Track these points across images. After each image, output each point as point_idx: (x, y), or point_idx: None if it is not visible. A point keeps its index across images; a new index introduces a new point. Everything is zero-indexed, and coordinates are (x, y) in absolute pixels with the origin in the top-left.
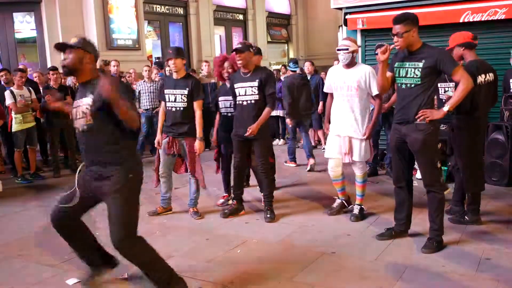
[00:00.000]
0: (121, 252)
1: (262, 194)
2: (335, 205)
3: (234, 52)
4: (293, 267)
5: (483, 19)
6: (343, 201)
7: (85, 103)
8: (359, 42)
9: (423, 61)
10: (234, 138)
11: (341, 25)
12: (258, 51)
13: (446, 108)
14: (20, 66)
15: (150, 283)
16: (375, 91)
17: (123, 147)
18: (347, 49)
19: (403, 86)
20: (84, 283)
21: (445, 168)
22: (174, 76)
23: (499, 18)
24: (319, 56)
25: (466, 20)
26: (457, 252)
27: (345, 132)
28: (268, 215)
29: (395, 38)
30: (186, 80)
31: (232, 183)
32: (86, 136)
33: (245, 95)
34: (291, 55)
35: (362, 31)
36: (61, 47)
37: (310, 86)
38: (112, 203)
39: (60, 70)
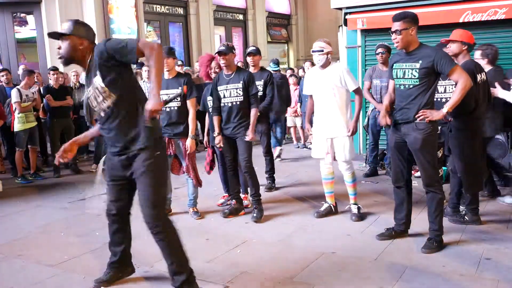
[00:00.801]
0: (153, 232)
1: (249, 194)
2: (322, 208)
3: (217, 54)
4: (293, 267)
5: (483, 19)
6: (331, 206)
7: (97, 83)
8: (359, 42)
9: (420, 61)
10: (223, 139)
11: (341, 25)
12: (258, 51)
13: (445, 109)
14: (21, 67)
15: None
16: (352, 87)
17: (143, 128)
18: (322, 51)
19: (401, 87)
20: (97, 281)
21: (445, 168)
22: (166, 76)
23: (499, 18)
24: None
25: (466, 20)
26: (457, 252)
27: (327, 133)
28: (255, 215)
29: (393, 36)
30: (178, 79)
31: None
32: (107, 117)
33: (230, 96)
34: (291, 55)
35: (362, 31)
36: (54, 35)
37: (288, 87)
38: (142, 183)
39: (61, 70)
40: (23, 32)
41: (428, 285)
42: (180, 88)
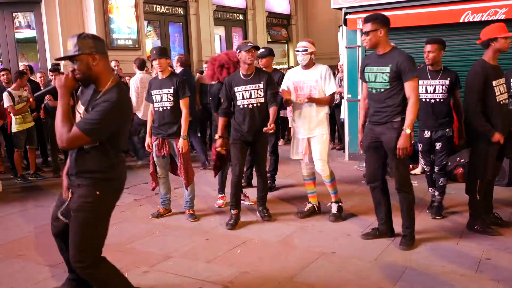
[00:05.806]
0: (82, 276)
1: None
2: (305, 208)
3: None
4: (293, 267)
5: (483, 19)
6: (314, 206)
7: (81, 111)
8: (359, 42)
9: (390, 65)
10: (237, 142)
11: (341, 25)
12: (268, 53)
13: (408, 131)
14: (22, 67)
15: None
16: (329, 92)
17: (101, 160)
18: (306, 50)
19: (374, 91)
20: None
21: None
22: (160, 76)
23: (499, 18)
24: (319, 56)
25: (466, 20)
26: (457, 252)
27: (304, 133)
28: (266, 214)
29: (363, 37)
30: (171, 78)
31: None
32: None
33: (250, 97)
34: (291, 55)
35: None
36: (64, 59)
37: None
38: (72, 222)
39: (62, 70)
40: (23, 32)
41: (428, 285)
42: (172, 87)
